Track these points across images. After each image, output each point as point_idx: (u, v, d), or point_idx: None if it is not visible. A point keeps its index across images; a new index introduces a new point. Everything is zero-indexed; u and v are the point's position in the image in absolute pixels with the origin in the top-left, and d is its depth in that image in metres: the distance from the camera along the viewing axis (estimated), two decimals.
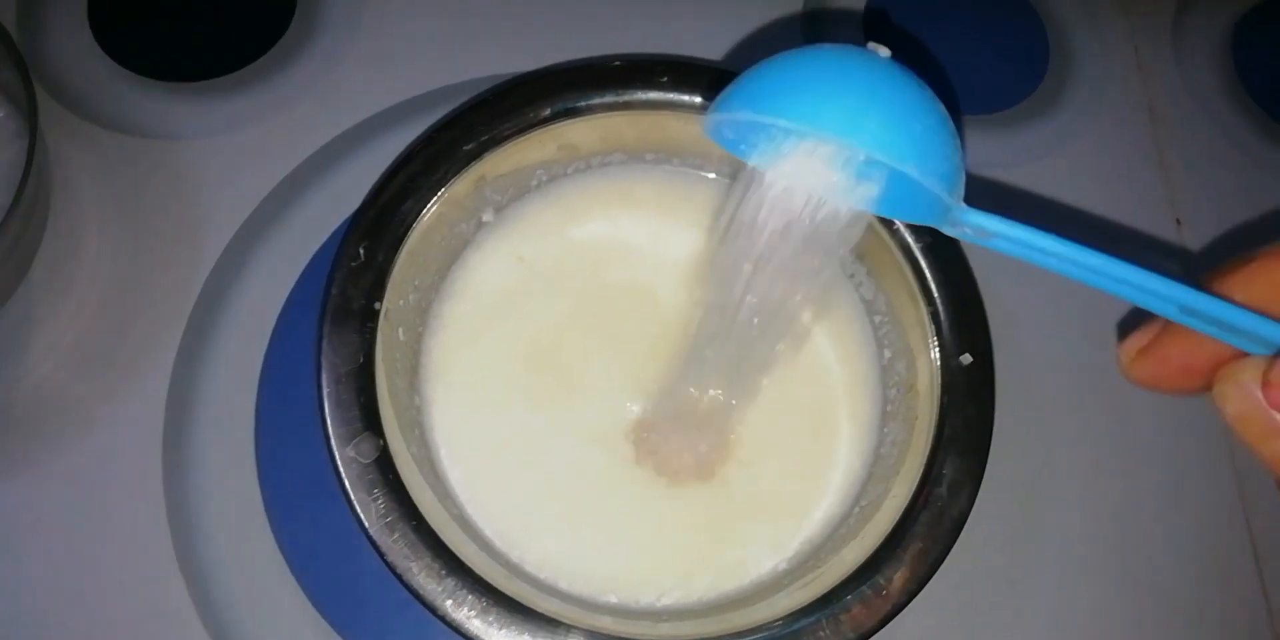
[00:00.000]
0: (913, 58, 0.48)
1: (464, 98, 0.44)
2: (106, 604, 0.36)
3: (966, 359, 0.34)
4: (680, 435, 0.35)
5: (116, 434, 0.39)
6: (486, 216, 0.38)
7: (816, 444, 0.36)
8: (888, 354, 0.37)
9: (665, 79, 0.38)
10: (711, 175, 0.40)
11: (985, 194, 0.45)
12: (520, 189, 0.39)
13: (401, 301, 0.35)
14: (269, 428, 0.39)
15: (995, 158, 0.46)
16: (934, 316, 0.35)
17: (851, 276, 0.38)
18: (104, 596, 0.36)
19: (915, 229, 0.36)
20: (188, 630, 0.36)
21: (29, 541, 0.37)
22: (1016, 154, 0.46)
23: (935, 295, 0.35)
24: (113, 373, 0.40)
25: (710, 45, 0.46)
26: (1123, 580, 0.39)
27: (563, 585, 0.33)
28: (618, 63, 0.38)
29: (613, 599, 0.33)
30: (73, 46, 0.44)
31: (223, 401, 0.39)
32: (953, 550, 0.32)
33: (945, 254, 0.35)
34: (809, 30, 0.47)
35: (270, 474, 0.38)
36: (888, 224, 0.37)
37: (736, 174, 0.39)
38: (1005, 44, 0.49)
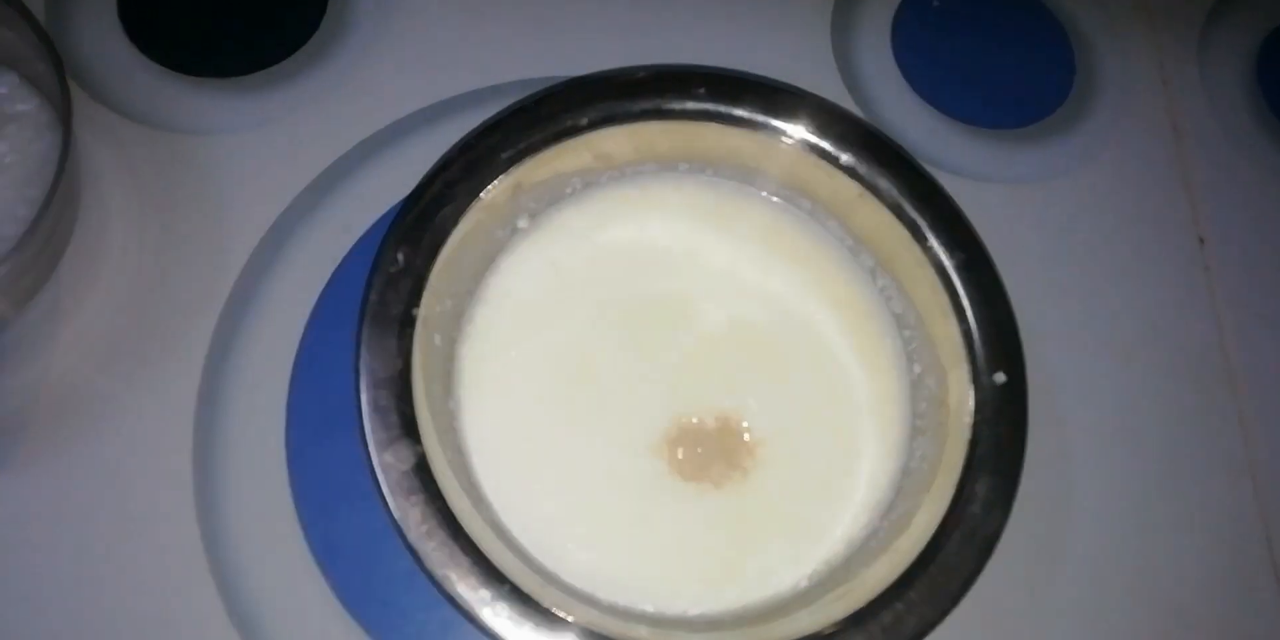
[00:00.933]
0: (938, 72, 0.49)
1: (495, 102, 0.44)
2: (134, 601, 0.36)
3: (1000, 378, 0.34)
4: (710, 447, 0.36)
5: (145, 431, 0.38)
6: (522, 223, 0.38)
7: (843, 458, 0.37)
8: (917, 368, 0.37)
9: (702, 89, 0.38)
10: (746, 186, 0.40)
11: (1006, 209, 0.45)
12: (555, 196, 0.39)
13: (439, 307, 0.35)
14: (300, 427, 0.39)
15: (1017, 172, 0.46)
16: (966, 334, 0.35)
17: (881, 290, 0.39)
18: (131, 594, 0.36)
19: (948, 244, 0.37)
20: (216, 629, 0.36)
21: (53, 538, 0.37)
22: (1039, 169, 0.47)
23: (969, 312, 0.35)
24: (142, 369, 0.40)
25: (742, 55, 0.46)
26: (1148, 599, 0.39)
27: (600, 595, 0.33)
28: (655, 73, 0.38)
29: (649, 608, 0.33)
30: (103, 40, 0.44)
31: (253, 399, 0.39)
32: None
33: (979, 271, 0.36)
34: (838, 41, 0.47)
35: (301, 473, 0.38)
36: (920, 238, 0.37)
37: (767, 184, 0.40)
38: (1030, 58, 0.50)
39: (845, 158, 0.38)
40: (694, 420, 0.36)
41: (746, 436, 0.36)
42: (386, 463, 0.31)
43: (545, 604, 0.30)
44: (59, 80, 0.38)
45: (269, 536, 0.37)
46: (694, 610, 0.34)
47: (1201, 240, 0.46)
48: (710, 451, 0.36)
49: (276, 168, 0.43)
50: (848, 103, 0.46)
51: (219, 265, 0.41)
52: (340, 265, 0.41)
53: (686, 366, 0.37)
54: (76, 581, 0.37)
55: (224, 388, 0.39)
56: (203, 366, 0.40)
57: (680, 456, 0.36)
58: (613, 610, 0.32)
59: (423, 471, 0.31)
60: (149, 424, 0.39)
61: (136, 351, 0.40)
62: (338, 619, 0.36)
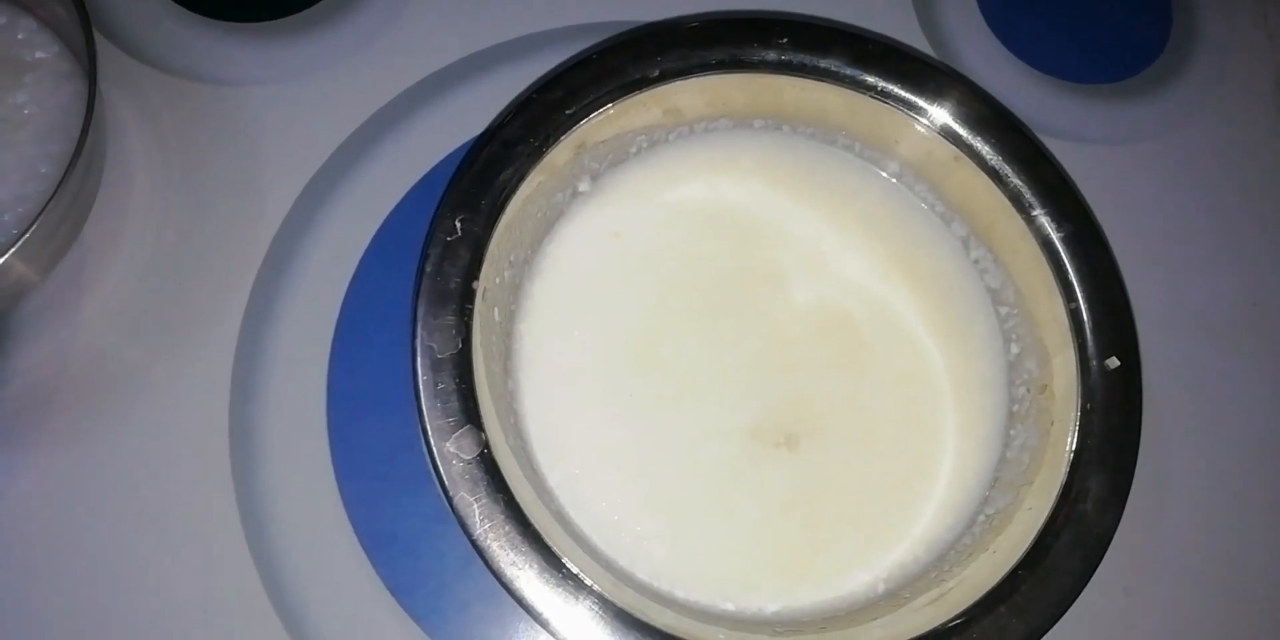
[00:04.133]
0: (1028, 23, 0.45)
1: (550, 48, 0.41)
2: (172, 587, 0.34)
3: (1113, 363, 0.31)
4: (785, 432, 0.33)
5: (178, 404, 0.36)
6: (583, 186, 0.35)
7: (924, 451, 0.34)
8: (1015, 350, 0.34)
9: (785, 39, 0.34)
10: (827, 146, 0.36)
11: (1095, 172, 0.42)
12: (619, 156, 0.36)
13: (497, 279, 0.32)
14: (342, 401, 0.36)
15: (1111, 132, 0.43)
16: (1075, 314, 0.32)
17: (975, 263, 0.36)
18: (169, 579, 0.34)
19: (1054, 215, 0.33)
20: (258, 616, 0.34)
21: (83, 519, 0.35)
22: (1134, 128, 0.43)
23: (1078, 290, 0.32)
24: (174, 338, 0.37)
25: (813, 4, 0.42)
26: (1254, 602, 0.37)
27: (678, 592, 0.31)
28: (734, 20, 0.35)
29: (728, 605, 0.31)
30: None
31: (292, 371, 0.37)
32: None
33: (1089, 245, 0.33)
34: None
35: (344, 452, 0.35)
36: (1023, 208, 0.34)
37: (852, 144, 0.36)
38: (1124, 9, 0.46)
39: (941, 117, 0.34)
40: (767, 403, 0.34)
41: (822, 422, 0.34)
42: (448, 453, 0.28)
43: (624, 606, 0.28)
44: (83, 24, 0.34)
45: (312, 520, 0.35)
46: (771, 607, 0.32)
47: None
48: (785, 437, 0.33)
49: (313, 121, 0.40)
50: (929, 52, 0.43)
51: (253, 227, 0.38)
52: (383, 226, 0.39)
53: (759, 345, 0.34)
54: (109, 565, 0.34)
55: (261, 359, 0.37)
56: (238, 335, 0.37)
57: (752, 443, 0.33)
58: (692, 611, 0.30)
59: (486, 462, 0.28)
60: (182, 397, 0.36)
61: (167, 319, 0.37)
62: (387, 608, 0.34)
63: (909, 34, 0.43)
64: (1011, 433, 0.33)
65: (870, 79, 0.34)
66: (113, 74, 0.40)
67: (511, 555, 0.28)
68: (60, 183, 0.32)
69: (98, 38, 0.39)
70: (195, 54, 0.40)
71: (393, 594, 0.34)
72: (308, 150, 0.39)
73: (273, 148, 0.39)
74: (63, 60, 0.37)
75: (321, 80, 0.40)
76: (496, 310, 0.32)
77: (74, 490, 0.35)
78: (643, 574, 0.31)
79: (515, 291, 0.34)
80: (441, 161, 0.39)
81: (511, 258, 0.33)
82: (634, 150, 0.36)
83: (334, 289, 0.38)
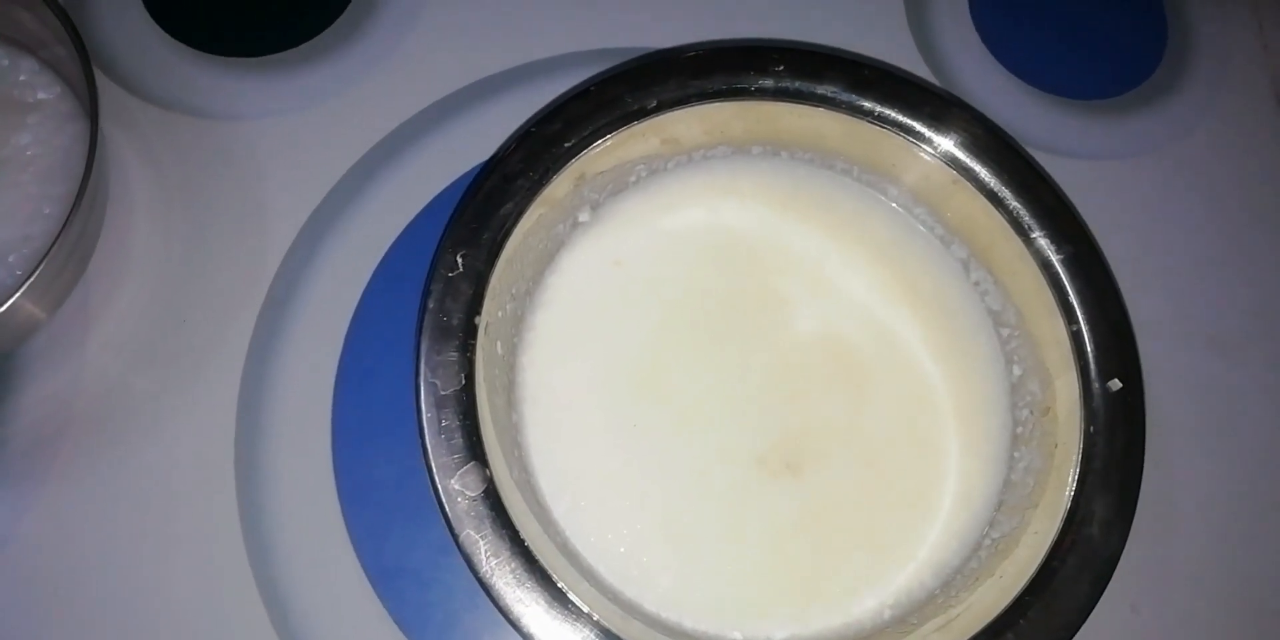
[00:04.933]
0: (1024, 40, 0.45)
1: (547, 76, 0.41)
2: (178, 620, 0.34)
3: (1116, 385, 0.31)
4: (790, 459, 0.33)
5: (184, 439, 0.36)
6: (583, 216, 0.35)
7: (929, 474, 0.34)
8: (1018, 371, 0.34)
9: (781, 67, 0.34)
10: (826, 171, 0.37)
11: (1093, 188, 0.42)
12: (619, 185, 0.36)
13: (500, 312, 0.32)
14: (347, 433, 0.36)
15: (1110, 147, 0.43)
16: (1077, 336, 0.32)
17: (976, 284, 0.36)
18: (175, 612, 0.34)
19: (1053, 237, 0.33)
20: None
21: (90, 553, 0.35)
22: (1133, 142, 0.43)
23: (1079, 312, 0.32)
24: (179, 374, 0.37)
25: (809, 26, 0.42)
26: (1267, 619, 0.37)
27: (686, 622, 0.31)
28: (729, 48, 0.35)
29: (736, 635, 0.31)
30: (126, 20, 0.41)
31: (297, 405, 0.37)
32: None
33: (1089, 266, 0.33)
34: (913, 7, 0.44)
35: (349, 483, 0.36)
36: (1022, 230, 0.34)
37: (850, 169, 0.37)
38: (1119, 22, 0.46)
39: (939, 140, 0.34)
40: (772, 429, 0.34)
41: (828, 447, 0.34)
42: (453, 490, 0.28)
43: (630, 639, 0.28)
44: (83, 65, 0.35)
45: (318, 552, 0.35)
46: (779, 635, 0.32)
47: None
48: (790, 463, 0.33)
49: (314, 154, 0.40)
50: (925, 70, 0.43)
51: (257, 261, 0.39)
52: (386, 256, 0.39)
53: (762, 371, 0.34)
54: (117, 599, 0.35)
55: (266, 392, 0.37)
56: (242, 369, 0.37)
57: (757, 469, 0.33)
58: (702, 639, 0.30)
59: (491, 498, 0.28)
60: (188, 430, 0.36)
61: (172, 355, 0.37)
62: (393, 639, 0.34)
63: (905, 53, 0.43)
64: (1016, 455, 0.33)
65: (867, 104, 0.34)
66: (114, 112, 0.40)
67: (518, 592, 0.28)
68: (65, 223, 0.32)
69: (100, 76, 0.40)
70: (195, 90, 0.40)
71: (399, 626, 0.34)
72: (310, 183, 0.39)
73: (275, 181, 0.39)
74: (64, 101, 0.37)
75: (322, 113, 0.40)
76: (499, 343, 0.32)
77: (81, 525, 0.35)
78: (650, 604, 0.31)
79: (518, 324, 0.34)
80: (443, 191, 0.39)
81: (513, 290, 0.33)
82: (633, 179, 0.36)
83: (338, 320, 0.38)
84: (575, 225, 0.35)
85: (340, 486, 0.36)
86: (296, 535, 0.35)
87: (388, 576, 0.35)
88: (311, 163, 0.40)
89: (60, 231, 0.32)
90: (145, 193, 0.39)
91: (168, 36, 0.41)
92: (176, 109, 0.40)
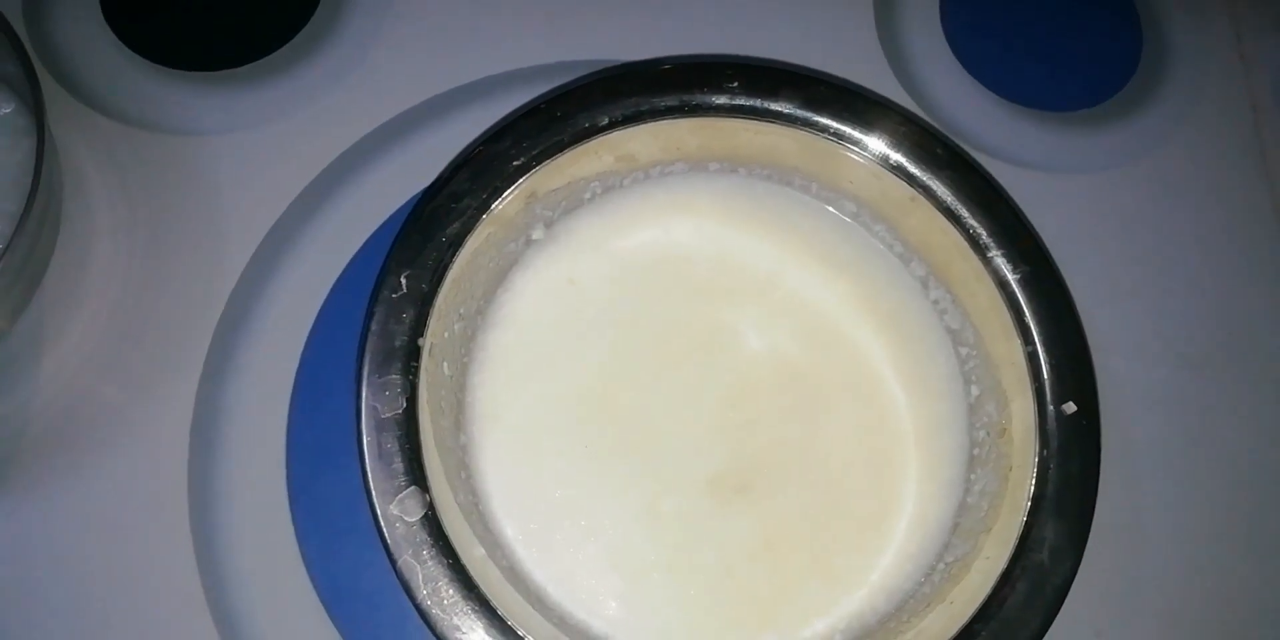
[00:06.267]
0: (994, 51, 0.44)
1: (509, 89, 0.41)
2: (126, 633, 0.34)
3: (1070, 408, 0.31)
4: (745, 481, 0.33)
5: (139, 457, 0.36)
6: (536, 234, 0.35)
7: (885, 497, 0.33)
8: (975, 391, 0.34)
9: (735, 83, 0.34)
10: (784, 188, 0.36)
11: (1064, 202, 0.41)
12: (573, 203, 0.35)
13: (446, 333, 0.32)
14: (301, 454, 0.36)
15: (1078, 159, 0.42)
16: (1032, 357, 0.32)
17: (934, 304, 0.35)
18: (124, 626, 0.34)
19: (1010, 256, 0.33)
20: None
21: (43, 574, 0.35)
22: (1105, 155, 0.43)
23: (1035, 333, 0.32)
24: (134, 391, 0.37)
25: (778, 36, 0.42)
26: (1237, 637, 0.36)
27: None
28: (683, 65, 0.34)
29: None
30: (83, 33, 0.40)
31: (251, 425, 0.36)
32: None
33: (1046, 286, 0.32)
34: (883, 16, 0.43)
35: (303, 505, 0.35)
36: (979, 249, 0.33)
37: (809, 186, 0.36)
38: (1093, 31, 0.45)
39: (895, 157, 0.34)
40: (728, 453, 0.33)
41: (785, 470, 0.33)
42: (391, 515, 0.28)
43: None
44: (28, 78, 0.34)
45: (271, 574, 0.35)
46: None
47: None
48: (747, 487, 0.33)
49: (273, 169, 0.40)
50: (894, 83, 0.42)
51: (213, 277, 0.38)
52: (343, 274, 0.38)
53: (718, 392, 0.34)
54: (67, 621, 0.34)
55: (221, 410, 0.37)
56: (197, 387, 0.37)
57: (712, 494, 0.33)
58: None
59: (432, 523, 0.28)
60: (141, 450, 0.36)
61: (126, 374, 0.37)
62: None
63: (873, 63, 0.43)
64: (972, 477, 0.33)
65: (822, 120, 0.34)
66: (72, 125, 0.40)
67: (456, 620, 0.27)
68: (9, 241, 0.32)
69: (59, 90, 0.40)
70: (154, 104, 0.40)
71: None
72: (268, 199, 0.39)
73: (233, 197, 0.39)
74: (20, 116, 0.37)
75: (278, 129, 0.40)
76: (446, 364, 0.32)
77: (31, 546, 0.35)
78: (599, 630, 0.31)
79: (468, 343, 0.33)
80: (402, 207, 0.39)
81: (462, 310, 0.33)
82: (588, 196, 0.36)
83: (293, 339, 0.37)
84: (528, 243, 0.35)
85: (294, 506, 0.35)
86: (249, 555, 0.35)
87: (340, 598, 0.35)
88: (270, 178, 0.39)
89: (4, 251, 0.32)
90: (102, 207, 0.39)
91: (127, 49, 0.40)
92: (136, 123, 0.40)
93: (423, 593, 0.28)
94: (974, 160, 0.34)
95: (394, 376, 0.29)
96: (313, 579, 0.35)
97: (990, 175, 0.34)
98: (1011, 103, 0.43)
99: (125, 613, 0.34)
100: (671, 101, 0.34)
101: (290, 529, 0.35)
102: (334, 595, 0.34)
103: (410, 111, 0.40)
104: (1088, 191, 0.42)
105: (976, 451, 0.33)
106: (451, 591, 0.28)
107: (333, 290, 0.38)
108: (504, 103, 0.40)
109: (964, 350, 0.34)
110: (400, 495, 0.28)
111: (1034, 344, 0.32)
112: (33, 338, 0.37)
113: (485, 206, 0.32)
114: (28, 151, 0.37)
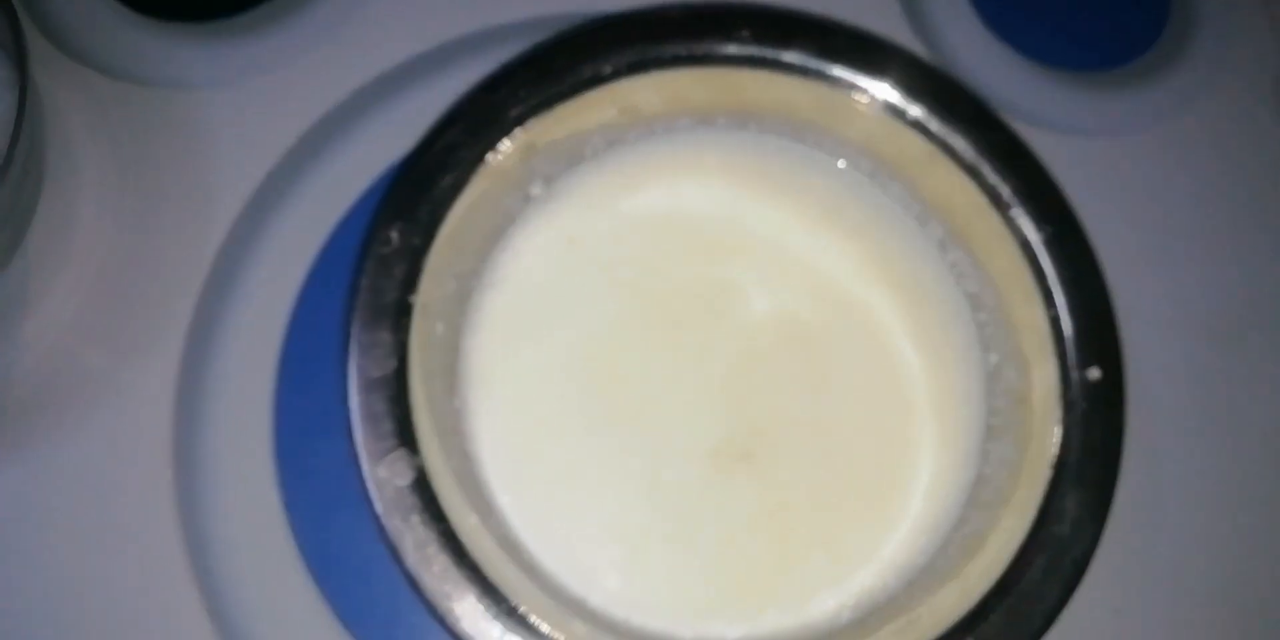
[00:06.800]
0: (1018, 7, 0.43)
1: (509, 42, 0.39)
2: (111, 615, 0.33)
3: (1094, 373, 0.29)
4: (752, 450, 0.31)
5: (121, 422, 0.35)
6: (535, 190, 0.33)
7: (898, 468, 0.32)
8: (994, 358, 0.32)
9: (746, 31, 0.32)
10: (795, 144, 0.34)
11: (1088, 165, 0.40)
12: (573, 158, 0.34)
13: (440, 292, 0.30)
14: (289, 421, 0.35)
15: (1105, 122, 0.41)
16: (1055, 322, 0.30)
17: (952, 266, 0.34)
18: (109, 607, 0.33)
19: (1034, 215, 0.31)
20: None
21: (22, 539, 0.34)
22: (1127, 119, 0.41)
23: (1057, 297, 0.30)
24: (117, 353, 0.36)
25: None
26: (1256, 624, 0.35)
27: (634, 619, 0.29)
28: (690, 11, 0.33)
29: (686, 633, 0.29)
30: None
31: (238, 389, 0.35)
32: None
33: (1071, 247, 0.31)
34: None
35: (291, 473, 0.34)
36: (1001, 207, 0.32)
37: (822, 141, 0.35)
38: None
39: (914, 111, 0.32)
40: (734, 419, 0.32)
41: (793, 438, 0.32)
42: (380, 478, 0.27)
43: (567, 638, 0.26)
44: (12, 27, 0.33)
45: (257, 544, 0.34)
46: (731, 634, 0.30)
47: None
48: (752, 455, 0.31)
49: (262, 124, 0.38)
50: (910, 41, 0.40)
51: (200, 235, 0.37)
52: (334, 232, 0.37)
53: (725, 357, 0.32)
54: (46, 589, 0.33)
55: (206, 372, 0.35)
56: (183, 349, 0.36)
57: (716, 462, 0.31)
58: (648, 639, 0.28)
59: (422, 487, 0.27)
60: (124, 415, 0.35)
61: (110, 333, 0.36)
62: (334, 637, 0.33)
63: (891, 19, 0.41)
64: (989, 447, 0.31)
65: (838, 72, 0.32)
66: (58, 79, 0.38)
67: (446, 586, 0.26)
68: None
69: (42, 42, 0.38)
70: (141, 56, 0.38)
71: (341, 622, 0.33)
72: (256, 154, 0.38)
73: (221, 152, 0.38)
74: (3, 68, 0.36)
75: (268, 82, 0.38)
76: (441, 324, 0.30)
77: (11, 511, 0.34)
78: (596, 601, 0.29)
79: (463, 304, 0.32)
80: (394, 164, 0.37)
81: (457, 269, 0.31)
82: (589, 151, 0.34)
83: (282, 300, 0.36)
84: (527, 199, 0.33)
85: (281, 475, 0.34)
86: (235, 524, 0.34)
87: (330, 569, 0.33)
88: (259, 133, 0.38)
89: None
90: (88, 162, 0.38)
91: (113, 0, 0.39)
92: (123, 77, 0.38)
93: (412, 559, 0.26)
94: (997, 113, 0.32)
95: (384, 334, 0.28)
96: (300, 548, 0.33)
97: (1016, 132, 0.32)
98: (1034, 61, 0.41)
99: (106, 580, 0.33)
100: (678, 50, 0.32)
101: (278, 497, 0.34)
102: (322, 565, 0.33)
103: (406, 64, 0.39)
104: (1111, 155, 0.40)
105: (994, 420, 0.32)
106: (443, 557, 0.26)
107: (322, 250, 0.37)
108: (503, 55, 0.38)
109: (983, 315, 0.33)
110: (389, 457, 0.27)
111: (1056, 307, 0.30)
112: (15, 296, 0.36)
113: (480, 157, 0.30)
114: (10, 105, 0.35)
